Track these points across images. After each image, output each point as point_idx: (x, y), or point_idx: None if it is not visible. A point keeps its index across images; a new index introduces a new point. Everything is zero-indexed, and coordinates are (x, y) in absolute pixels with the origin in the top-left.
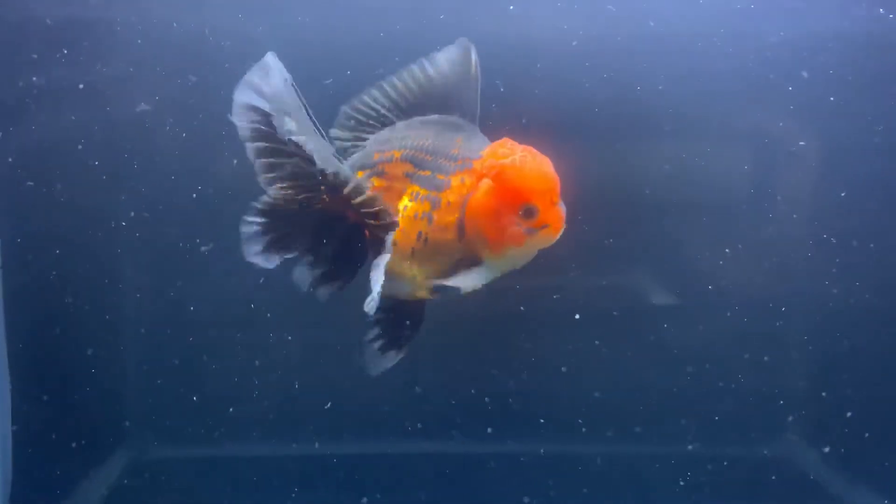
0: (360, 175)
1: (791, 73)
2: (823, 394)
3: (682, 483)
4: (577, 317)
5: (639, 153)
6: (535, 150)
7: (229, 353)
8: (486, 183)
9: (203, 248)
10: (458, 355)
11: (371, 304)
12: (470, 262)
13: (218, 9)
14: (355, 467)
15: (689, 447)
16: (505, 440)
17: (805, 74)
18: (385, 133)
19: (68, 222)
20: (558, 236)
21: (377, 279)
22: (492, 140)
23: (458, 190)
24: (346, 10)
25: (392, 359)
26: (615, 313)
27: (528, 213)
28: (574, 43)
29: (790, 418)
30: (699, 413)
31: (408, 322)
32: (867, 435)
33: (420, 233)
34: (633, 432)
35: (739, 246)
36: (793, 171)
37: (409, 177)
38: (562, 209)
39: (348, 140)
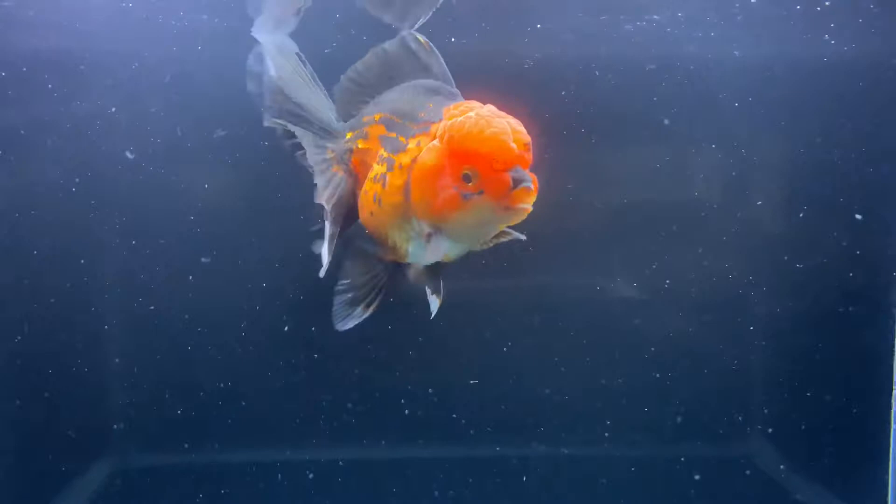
0: (350, 136)
1: (743, 94)
2: (783, 395)
3: (640, 483)
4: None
5: (608, 160)
6: (498, 112)
7: (213, 361)
8: (432, 144)
9: (203, 259)
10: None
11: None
12: (425, 226)
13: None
14: (341, 473)
15: (649, 447)
16: (473, 444)
17: (753, 96)
18: (385, 94)
19: (51, 233)
20: (510, 210)
21: (323, 251)
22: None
23: (411, 153)
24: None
25: (358, 316)
26: (576, 313)
27: (467, 177)
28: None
29: (750, 418)
30: (658, 413)
31: (381, 281)
32: (826, 436)
33: (375, 195)
34: (593, 433)
35: (701, 249)
36: (751, 181)
37: (381, 139)
38: (511, 177)
39: (347, 104)
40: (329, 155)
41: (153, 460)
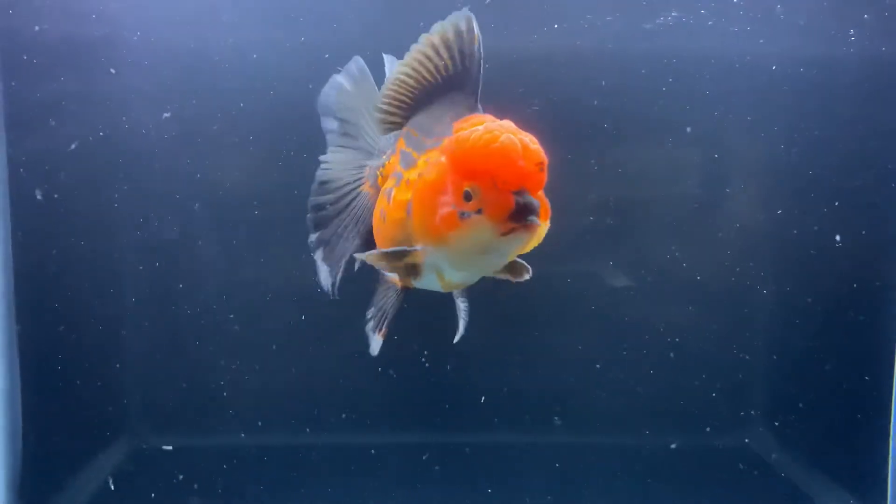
0: (388, 152)
1: (755, 91)
2: (781, 384)
3: (640, 472)
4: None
5: (608, 155)
6: (511, 127)
7: (229, 344)
8: (437, 159)
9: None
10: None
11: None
12: (420, 246)
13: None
14: (353, 458)
15: (650, 438)
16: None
17: (764, 94)
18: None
19: (73, 224)
20: (514, 231)
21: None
22: None
23: (419, 168)
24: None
25: (376, 342)
26: (575, 306)
27: (467, 194)
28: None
29: (749, 409)
30: (658, 404)
31: (388, 305)
32: (827, 426)
33: (382, 211)
34: (592, 423)
35: (702, 243)
36: (754, 176)
37: (401, 154)
38: (513, 199)
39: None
40: (364, 173)
41: (169, 441)
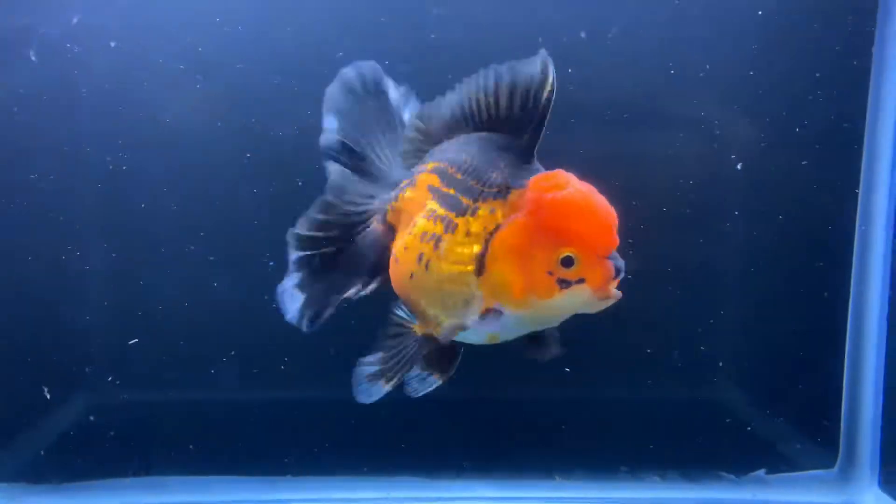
0: (404, 184)
1: (706, 76)
2: (742, 338)
3: (612, 426)
4: None
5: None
6: (592, 189)
7: (191, 298)
8: (521, 217)
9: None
10: None
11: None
12: (487, 306)
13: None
14: (318, 412)
15: (622, 394)
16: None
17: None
18: (443, 144)
19: (29, 175)
20: (604, 300)
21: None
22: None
23: (484, 219)
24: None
25: (378, 392)
26: None
27: (567, 261)
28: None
29: (723, 365)
30: (630, 361)
31: (408, 356)
32: (782, 374)
33: (421, 255)
34: (565, 377)
35: (683, 228)
36: (736, 167)
37: (431, 191)
38: (612, 266)
39: (413, 150)
40: (374, 206)
41: (129, 395)
